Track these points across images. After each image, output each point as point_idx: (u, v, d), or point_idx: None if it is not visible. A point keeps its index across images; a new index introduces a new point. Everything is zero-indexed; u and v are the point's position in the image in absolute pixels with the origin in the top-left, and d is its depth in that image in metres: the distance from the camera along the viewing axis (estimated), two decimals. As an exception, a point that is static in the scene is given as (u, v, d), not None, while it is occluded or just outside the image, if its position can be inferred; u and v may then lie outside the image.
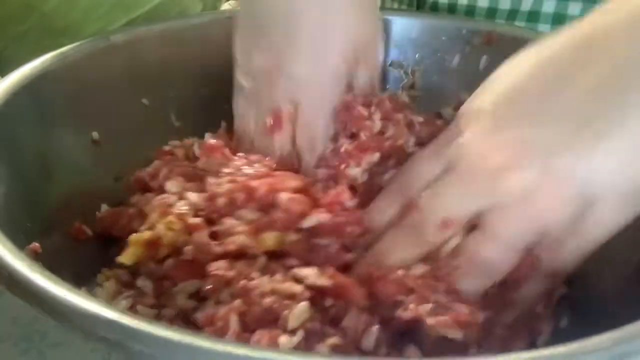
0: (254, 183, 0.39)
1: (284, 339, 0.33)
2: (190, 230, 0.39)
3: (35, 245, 0.36)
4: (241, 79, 0.47)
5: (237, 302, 0.35)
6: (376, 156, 0.44)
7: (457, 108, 0.43)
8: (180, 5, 0.79)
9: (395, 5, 0.70)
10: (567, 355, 0.28)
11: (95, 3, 0.74)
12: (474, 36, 0.56)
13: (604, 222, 0.36)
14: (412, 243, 0.38)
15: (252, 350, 0.28)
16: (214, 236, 0.39)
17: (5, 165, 0.41)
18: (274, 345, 0.33)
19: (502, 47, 0.54)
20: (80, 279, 0.34)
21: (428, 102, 0.54)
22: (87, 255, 0.43)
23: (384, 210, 0.41)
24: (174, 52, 0.55)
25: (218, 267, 0.37)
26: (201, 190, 0.42)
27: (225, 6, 0.94)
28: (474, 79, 0.49)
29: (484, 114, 0.38)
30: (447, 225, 0.37)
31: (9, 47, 0.74)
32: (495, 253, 0.36)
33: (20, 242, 0.34)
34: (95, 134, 0.49)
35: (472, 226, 0.37)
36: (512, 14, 0.63)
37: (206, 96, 0.55)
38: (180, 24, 0.57)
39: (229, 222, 0.39)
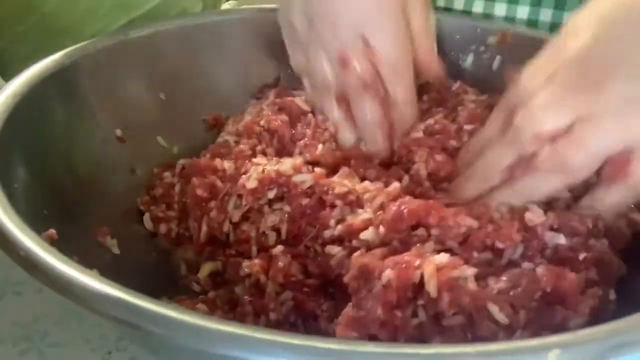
0: None
1: None
2: None
3: (52, 231, 0.36)
4: (296, 23, 0.49)
5: None
6: None
7: None
8: (180, 5, 0.79)
9: None
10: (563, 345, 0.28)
11: (95, 3, 0.73)
12: (489, 36, 0.57)
13: None
14: (507, 154, 0.41)
15: (262, 333, 0.28)
16: None
17: (27, 154, 0.42)
18: None
19: (516, 48, 0.54)
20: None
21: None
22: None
23: (487, 127, 0.44)
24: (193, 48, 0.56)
25: None
26: None
27: (225, 6, 0.94)
28: (487, 79, 0.49)
29: (583, 31, 0.39)
30: (539, 139, 0.39)
31: (9, 48, 0.74)
32: (577, 158, 0.38)
33: (38, 228, 0.34)
34: (118, 131, 0.50)
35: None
36: (509, 21, 0.62)
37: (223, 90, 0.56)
38: (198, 20, 0.59)
39: None
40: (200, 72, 0.56)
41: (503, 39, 0.56)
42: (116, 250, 0.44)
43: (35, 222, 0.35)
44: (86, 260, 0.32)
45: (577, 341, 0.28)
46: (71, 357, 0.42)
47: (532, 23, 0.61)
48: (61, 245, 0.33)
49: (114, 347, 0.42)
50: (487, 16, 0.62)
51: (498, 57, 0.56)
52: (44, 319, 0.44)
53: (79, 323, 0.44)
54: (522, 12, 0.61)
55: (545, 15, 0.61)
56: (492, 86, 0.50)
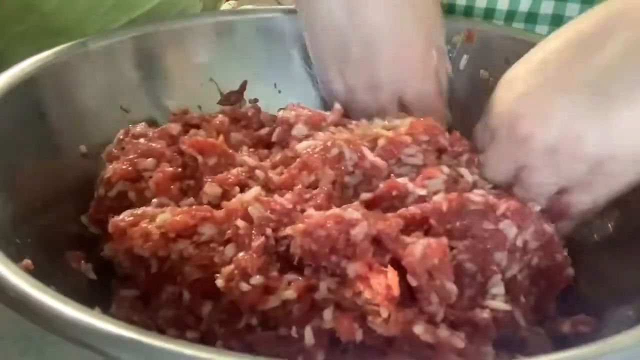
0: None
1: None
2: None
3: (27, 262, 0.35)
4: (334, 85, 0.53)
5: None
6: None
7: None
8: (180, 5, 0.79)
9: None
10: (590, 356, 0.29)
11: (95, 3, 0.73)
12: (454, 35, 0.56)
13: (615, 177, 0.42)
14: None
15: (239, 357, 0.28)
16: None
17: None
18: None
19: (482, 47, 0.54)
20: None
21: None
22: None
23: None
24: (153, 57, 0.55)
25: None
26: None
27: (225, 6, 0.94)
28: (454, 79, 0.48)
29: (517, 82, 0.44)
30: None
31: (9, 48, 0.74)
32: (528, 197, 0.44)
33: (13, 259, 0.34)
34: (83, 147, 0.49)
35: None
36: (510, 15, 0.63)
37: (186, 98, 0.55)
38: (154, 28, 0.58)
39: None
40: (161, 78, 0.55)
41: (469, 38, 0.56)
42: (92, 276, 0.43)
43: (9, 252, 0.34)
44: (63, 289, 0.32)
45: (611, 350, 0.29)
46: (71, 355, 0.42)
47: (532, 16, 0.62)
48: (37, 275, 0.33)
49: (113, 344, 0.42)
50: (490, 11, 0.63)
51: (465, 57, 0.55)
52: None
53: (79, 321, 0.44)
54: (524, 5, 0.62)
55: (546, 7, 0.61)
56: (459, 87, 0.51)
